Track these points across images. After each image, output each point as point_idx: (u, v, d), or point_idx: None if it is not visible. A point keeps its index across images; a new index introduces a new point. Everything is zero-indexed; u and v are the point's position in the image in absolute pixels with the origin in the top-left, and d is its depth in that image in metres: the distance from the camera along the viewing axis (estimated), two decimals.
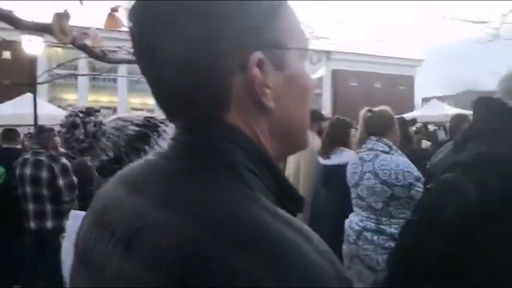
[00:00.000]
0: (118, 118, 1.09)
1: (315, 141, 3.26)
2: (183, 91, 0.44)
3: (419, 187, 2.20)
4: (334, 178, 2.64)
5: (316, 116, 3.52)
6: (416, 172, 2.29)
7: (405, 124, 3.23)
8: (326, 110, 35.76)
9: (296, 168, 3.45)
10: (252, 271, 0.33)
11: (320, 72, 39.85)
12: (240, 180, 0.42)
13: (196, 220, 0.37)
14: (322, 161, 3.09)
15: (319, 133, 3.29)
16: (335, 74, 42.65)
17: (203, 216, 0.38)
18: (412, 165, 2.33)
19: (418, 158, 2.70)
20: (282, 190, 0.46)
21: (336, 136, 3.08)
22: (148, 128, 1.06)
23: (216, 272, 0.33)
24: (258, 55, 0.44)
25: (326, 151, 3.08)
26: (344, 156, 2.95)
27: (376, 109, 2.53)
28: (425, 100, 29.51)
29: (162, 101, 0.47)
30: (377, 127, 2.47)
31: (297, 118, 0.50)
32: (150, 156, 0.50)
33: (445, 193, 1.17)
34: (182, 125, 0.48)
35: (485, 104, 1.26)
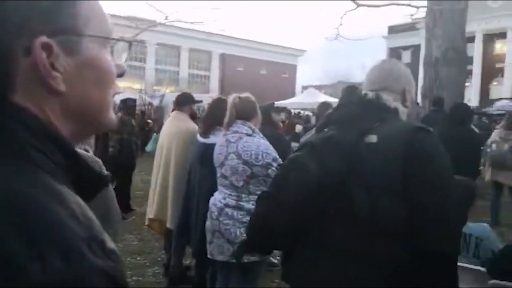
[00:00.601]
0: None
1: (187, 122, 3.34)
2: None
3: (275, 167, 2.44)
4: (210, 156, 2.75)
5: (189, 100, 3.60)
6: (274, 153, 2.53)
7: (269, 110, 3.49)
8: (214, 92, 35.96)
9: (168, 147, 3.49)
10: (3, 236, 0.38)
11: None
12: (22, 157, 0.45)
13: None
14: (201, 139, 3.18)
15: (191, 115, 3.37)
16: (223, 58, 43.16)
17: None
18: (271, 147, 2.56)
19: (277, 141, 2.96)
20: (76, 169, 0.51)
21: (216, 116, 3.17)
22: None
23: None
24: (43, 39, 0.47)
25: (205, 130, 3.17)
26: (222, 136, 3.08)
27: (242, 95, 2.70)
28: (305, 88, 31.59)
29: None
30: (244, 112, 2.64)
31: (94, 100, 0.54)
32: None
33: (291, 169, 1.30)
34: None
35: (347, 93, 1.42)
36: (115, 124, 0.61)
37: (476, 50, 34.77)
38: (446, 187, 1.12)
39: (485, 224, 2.34)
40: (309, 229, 1.22)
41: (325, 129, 1.32)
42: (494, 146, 5.36)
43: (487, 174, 5.54)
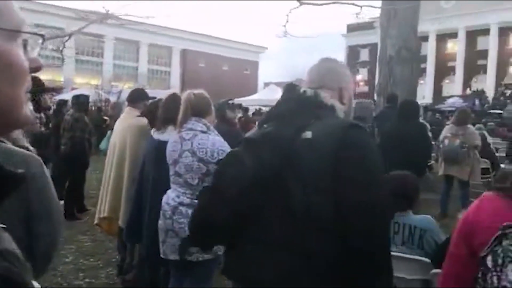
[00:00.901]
0: None
1: (140, 119, 3.26)
2: None
3: None
4: (165, 153, 2.70)
5: (143, 96, 3.52)
6: (229, 150, 2.51)
7: (224, 107, 3.48)
8: (175, 88, 35.49)
9: (121, 144, 3.40)
10: None
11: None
12: None
13: None
14: (156, 135, 3.11)
15: (144, 112, 3.29)
16: (184, 54, 42.64)
17: None
18: (226, 144, 2.55)
19: (233, 138, 2.95)
20: None
21: (171, 113, 3.10)
22: None
23: None
24: None
25: (160, 126, 3.10)
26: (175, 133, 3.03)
27: (197, 92, 2.66)
28: (266, 84, 31.78)
29: None
30: (198, 109, 2.60)
31: (4, 97, 0.51)
32: None
33: (228, 163, 1.33)
34: None
35: (287, 90, 1.44)
36: (31, 121, 0.57)
37: (429, 49, 36.30)
38: (375, 184, 1.15)
39: (429, 216, 2.44)
40: (249, 223, 1.24)
41: (264, 125, 1.34)
42: (446, 141, 5.55)
43: (440, 169, 5.75)
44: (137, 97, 3.51)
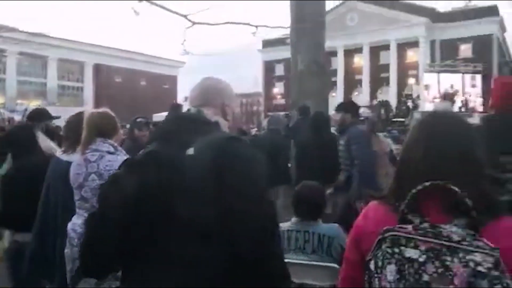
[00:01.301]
0: None
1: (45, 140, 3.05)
2: None
3: None
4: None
5: (44, 115, 3.29)
6: None
7: (132, 125, 3.39)
8: (89, 105, 33.61)
9: None
10: None
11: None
12: None
13: None
14: (65, 157, 2.91)
15: (48, 132, 3.09)
16: (98, 68, 40.71)
17: None
18: None
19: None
20: None
21: (79, 133, 2.93)
22: None
23: None
24: None
25: (68, 147, 2.91)
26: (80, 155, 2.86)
27: (100, 110, 2.57)
28: (187, 99, 31.47)
29: None
30: (103, 129, 2.50)
31: None
32: None
33: (110, 186, 1.29)
34: None
35: (172, 109, 1.45)
36: None
37: (339, 64, 38.78)
38: (259, 193, 1.20)
39: (336, 225, 2.59)
40: (141, 243, 1.21)
41: (148, 146, 1.34)
42: None
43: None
44: (37, 117, 3.28)
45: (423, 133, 1.14)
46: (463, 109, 19.54)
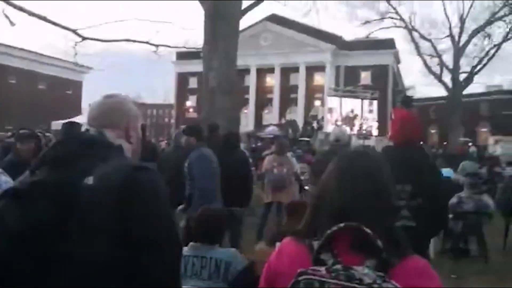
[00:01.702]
0: None
1: None
2: None
3: None
4: None
5: None
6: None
7: (15, 138, 3.00)
8: None
9: None
10: None
11: None
12: None
13: None
14: None
15: None
16: None
17: None
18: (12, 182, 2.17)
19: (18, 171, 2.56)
20: None
21: None
22: None
23: None
24: None
25: None
26: None
27: None
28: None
29: None
30: None
31: None
32: None
33: None
34: None
35: (66, 129, 1.25)
36: None
37: (251, 82, 39.87)
38: (163, 223, 1.11)
39: (234, 249, 2.55)
40: (28, 283, 1.05)
41: (36, 171, 1.15)
42: (275, 170, 6.05)
43: (268, 196, 6.18)
44: None
45: (339, 170, 1.14)
46: (362, 132, 21.15)
